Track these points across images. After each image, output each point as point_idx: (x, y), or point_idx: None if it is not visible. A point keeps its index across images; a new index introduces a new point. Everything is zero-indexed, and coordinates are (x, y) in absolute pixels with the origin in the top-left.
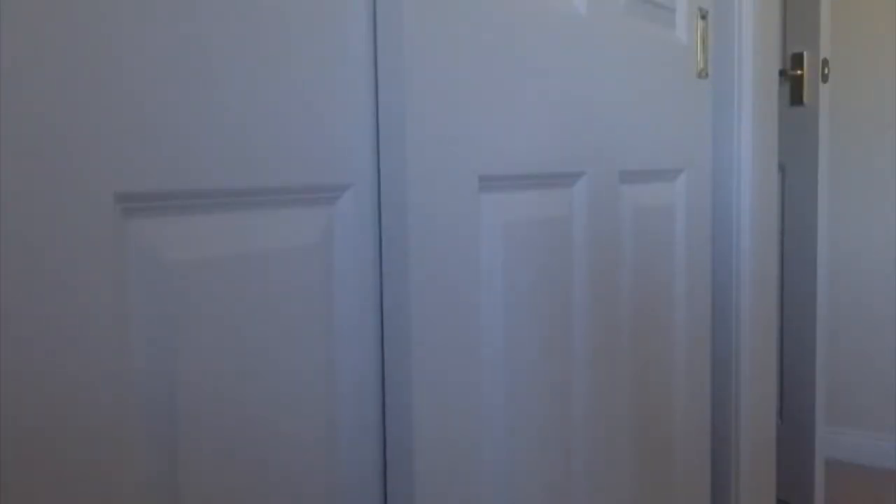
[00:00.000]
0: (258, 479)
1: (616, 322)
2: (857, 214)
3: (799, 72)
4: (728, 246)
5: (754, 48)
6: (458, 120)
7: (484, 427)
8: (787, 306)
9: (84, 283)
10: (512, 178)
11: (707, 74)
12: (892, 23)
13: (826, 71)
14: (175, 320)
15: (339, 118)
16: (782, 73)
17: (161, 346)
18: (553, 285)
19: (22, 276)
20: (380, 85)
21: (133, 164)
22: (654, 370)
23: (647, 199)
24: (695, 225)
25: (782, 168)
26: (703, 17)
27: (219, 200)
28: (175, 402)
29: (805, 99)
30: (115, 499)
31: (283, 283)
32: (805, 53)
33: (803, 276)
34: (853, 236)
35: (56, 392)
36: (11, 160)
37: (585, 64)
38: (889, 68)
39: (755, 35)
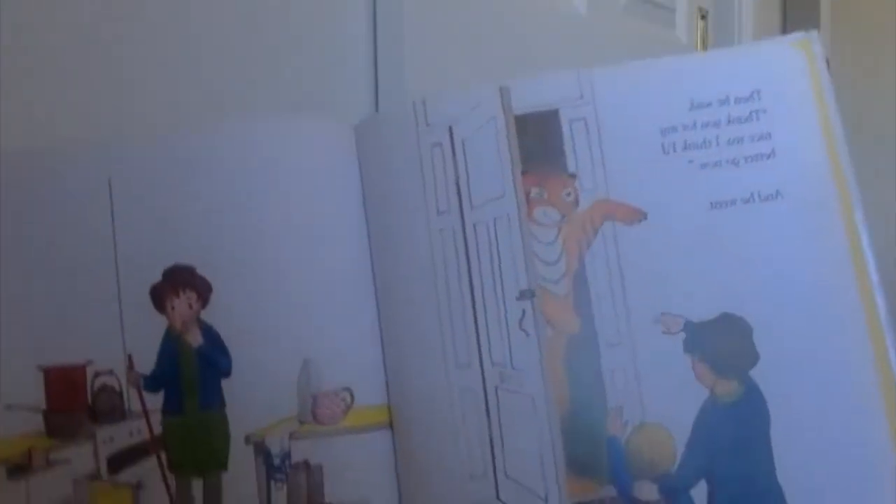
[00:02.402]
0: None
1: None
2: None
3: None
4: None
5: None
6: None
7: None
8: None
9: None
10: None
11: None
12: (893, 23)
13: None
14: None
15: (339, 118)
16: None
17: None
18: None
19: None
20: (380, 85)
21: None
22: None
23: None
24: None
25: None
26: (703, 17)
27: None
28: None
29: None
30: None
31: None
32: None
33: None
34: None
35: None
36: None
37: (585, 64)
38: (889, 68)
39: (755, 35)
